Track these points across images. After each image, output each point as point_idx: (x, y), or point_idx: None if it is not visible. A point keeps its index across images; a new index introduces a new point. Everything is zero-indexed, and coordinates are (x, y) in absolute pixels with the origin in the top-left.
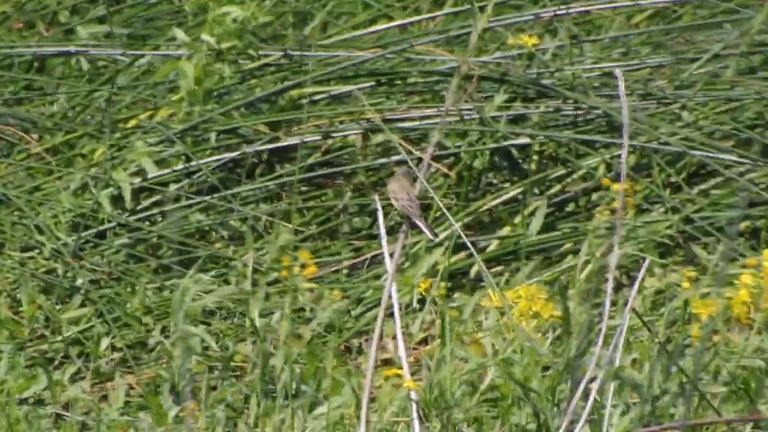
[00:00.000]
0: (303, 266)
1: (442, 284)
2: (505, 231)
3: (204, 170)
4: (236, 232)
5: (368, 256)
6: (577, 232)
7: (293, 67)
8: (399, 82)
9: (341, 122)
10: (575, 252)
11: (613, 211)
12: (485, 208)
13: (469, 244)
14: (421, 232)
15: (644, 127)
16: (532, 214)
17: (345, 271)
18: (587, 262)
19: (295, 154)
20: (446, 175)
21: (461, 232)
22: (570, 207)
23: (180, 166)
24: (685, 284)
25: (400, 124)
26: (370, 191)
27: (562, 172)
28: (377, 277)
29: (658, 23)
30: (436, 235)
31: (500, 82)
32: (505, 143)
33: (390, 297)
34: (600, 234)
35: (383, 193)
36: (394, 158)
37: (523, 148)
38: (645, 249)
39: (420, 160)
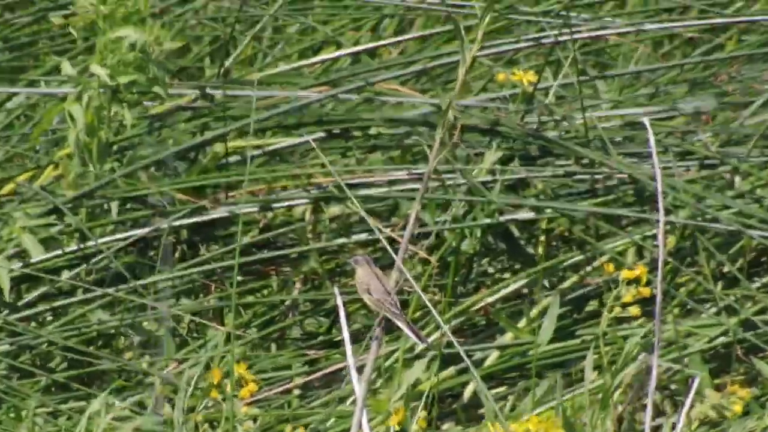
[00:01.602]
0: (240, 384)
1: (424, 413)
2: (507, 338)
3: (105, 252)
4: (151, 338)
5: (328, 370)
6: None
7: (216, 112)
8: (358, 133)
9: (284, 188)
10: (600, 367)
11: (641, 310)
12: (479, 306)
13: (463, 355)
14: (399, 337)
15: (685, 198)
16: (542, 314)
17: (297, 392)
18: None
19: (226, 231)
20: (425, 262)
21: (453, 338)
22: (592, 305)
23: (73, 247)
24: (737, 407)
25: (362, 191)
26: (326, 282)
27: (580, 257)
28: (341, 399)
29: (693, 52)
30: (425, 340)
31: (490, 133)
32: (502, 218)
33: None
34: (631, 343)
35: (345, 285)
36: (356, 237)
37: (525, 225)
38: (692, 364)
39: (391, 241)
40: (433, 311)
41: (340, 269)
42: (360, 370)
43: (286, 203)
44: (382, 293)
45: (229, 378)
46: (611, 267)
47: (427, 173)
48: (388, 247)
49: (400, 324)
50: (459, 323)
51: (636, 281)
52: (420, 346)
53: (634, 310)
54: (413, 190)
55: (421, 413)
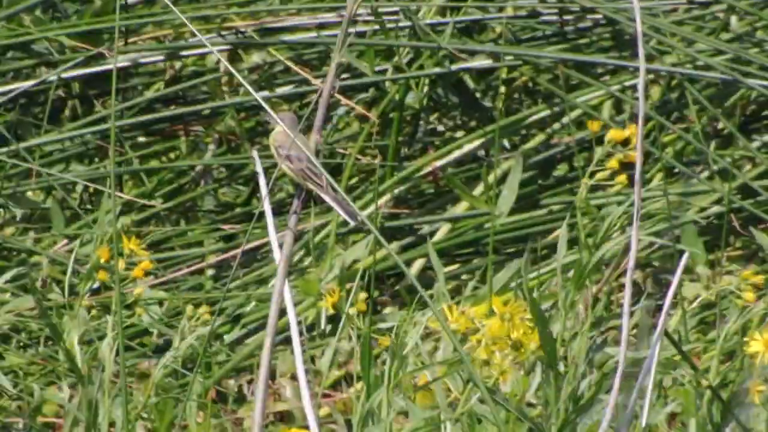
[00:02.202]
0: (133, 262)
1: (364, 294)
2: (461, 208)
3: None
4: (37, 210)
5: (246, 247)
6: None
7: None
8: None
9: (194, 34)
10: (572, 242)
11: (627, 177)
12: (426, 170)
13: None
14: (329, 210)
15: (672, 42)
16: (502, 181)
17: (210, 272)
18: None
19: (126, 84)
20: (364, 119)
21: (390, 211)
22: (560, 169)
23: None
24: (748, 295)
25: (287, 37)
26: (245, 144)
27: (546, 113)
28: (262, 281)
29: None
30: (357, 217)
31: None
32: (454, 67)
33: (283, 313)
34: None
35: (265, 149)
36: (281, 91)
37: (482, 74)
38: (682, 237)
39: (318, 94)
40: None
41: (261, 128)
42: (282, 246)
43: (197, 51)
44: (306, 160)
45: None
46: (596, 125)
47: (350, 10)
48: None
49: (325, 197)
50: (403, 191)
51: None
52: (352, 223)
53: (622, 178)
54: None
55: (360, 295)
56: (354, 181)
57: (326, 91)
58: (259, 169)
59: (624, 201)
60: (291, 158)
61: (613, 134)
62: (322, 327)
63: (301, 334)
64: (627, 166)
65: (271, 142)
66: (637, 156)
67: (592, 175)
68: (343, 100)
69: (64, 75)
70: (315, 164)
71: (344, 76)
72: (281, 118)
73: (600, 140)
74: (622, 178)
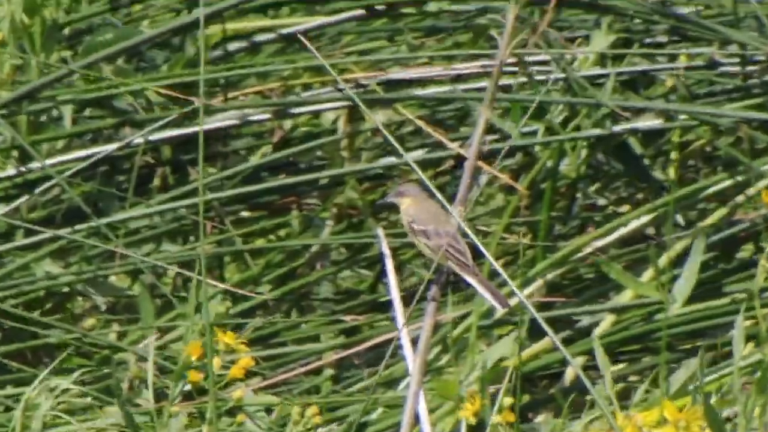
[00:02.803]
0: (233, 361)
1: (511, 400)
2: (627, 297)
3: (55, 178)
4: (122, 298)
5: (371, 342)
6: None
7: None
8: (410, 9)
9: (307, 87)
10: (756, 337)
11: None
12: (585, 252)
13: (546, 328)
14: (472, 296)
15: None
16: (676, 264)
17: (328, 372)
18: None
19: (226, 148)
20: (510, 190)
21: (543, 300)
22: (745, 250)
23: (10, 171)
24: None
25: (417, 91)
26: (369, 220)
27: (728, 182)
28: (390, 383)
29: None
30: (507, 302)
31: (598, 9)
32: (617, 128)
33: (416, 421)
34: None
35: (395, 224)
36: (411, 156)
37: (651, 137)
38: None
39: (458, 160)
40: (497, 266)
41: (382, 202)
42: (415, 342)
43: (311, 107)
44: (448, 236)
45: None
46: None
47: (499, 62)
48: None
49: (470, 280)
50: (557, 277)
51: None
52: (500, 311)
53: None
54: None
55: (506, 400)
56: (499, 264)
57: (473, 154)
58: (385, 249)
59: None
60: (429, 234)
61: None
62: None
63: None
64: None
65: (402, 217)
66: None
67: None
68: (486, 167)
69: (152, 137)
70: (458, 240)
71: (486, 138)
72: (406, 190)
73: None
74: None
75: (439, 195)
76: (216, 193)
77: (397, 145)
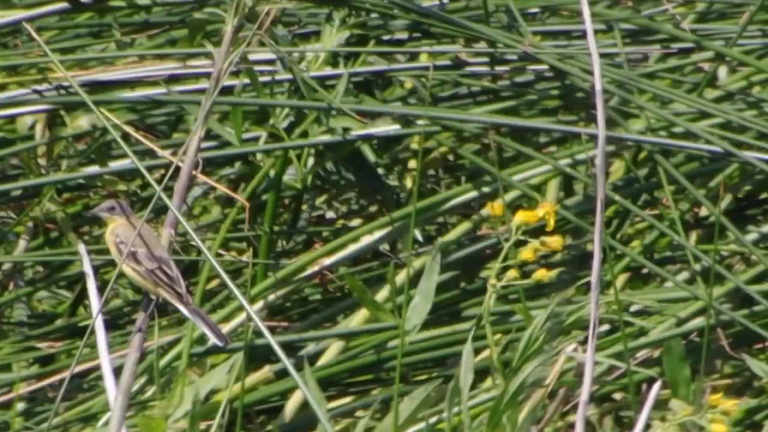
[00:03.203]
0: None
1: None
2: (357, 320)
3: None
4: None
5: (69, 372)
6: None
7: None
8: (118, 3)
9: (1, 88)
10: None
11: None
12: (312, 270)
13: (279, 351)
14: (181, 322)
15: (640, 102)
16: (413, 284)
17: (20, 406)
18: None
19: None
20: (228, 201)
21: (263, 325)
22: (490, 269)
23: None
24: (718, 427)
25: (125, 94)
26: (69, 235)
27: (473, 194)
28: (89, 418)
29: None
30: (224, 336)
31: (330, 2)
32: (350, 135)
33: None
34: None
35: (99, 240)
36: (116, 166)
37: (386, 144)
38: (664, 359)
39: (170, 171)
40: (232, 286)
41: (90, 215)
42: (120, 371)
43: (5, 111)
44: (154, 259)
45: None
46: (497, 207)
47: (220, 61)
48: (154, 184)
49: (183, 311)
50: (281, 298)
51: (542, 227)
52: (216, 343)
53: (540, 274)
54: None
55: None
56: (214, 284)
57: (186, 169)
58: (87, 267)
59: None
60: (138, 257)
61: (524, 216)
62: None
63: None
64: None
65: (108, 236)
66: (595, 250)
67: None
68: (201, 177)
69: None
70: (170, 266)
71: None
72: (111, 205)
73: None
74: (541, 273)
75: None
76: None
77: None
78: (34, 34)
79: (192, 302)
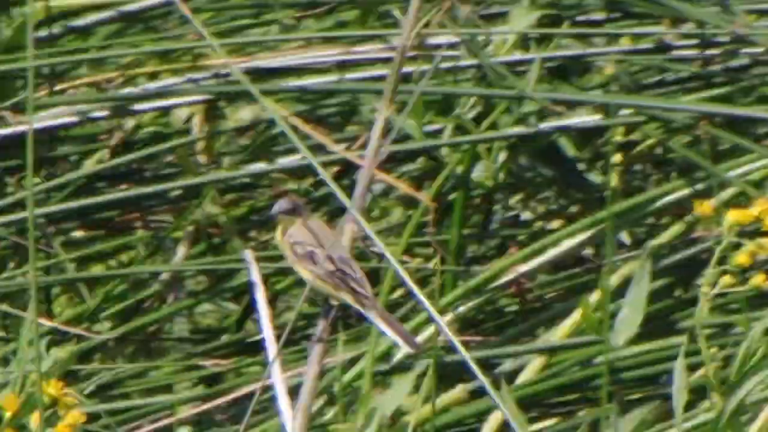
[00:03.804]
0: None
1: None
2: (560, 334)
3: None
4: None
5: (238, 393)
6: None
7: None
8: None
9: (152, 76)
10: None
11: None
12: (506, 278)
13: (474, 367)
14: (366, 334)
15: None
16: (620, 293)
17: (184, 430)
18: None
19: (52, 153)
20: (411, 202)
21: (455, 339)
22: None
23: None
24: None
25: (292, 82)
26: (233, 240)
27: (684, 191)
28: None
29: None
30: (417, 344)
31: None
32: (545, 125)
33: None
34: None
35: (267, 245)
36: (284, 162)
37: (586, 137)
38: None
39: (347, 167)
40: (419, 295)
41: (256, 218)
42: (295, 391)
43: (158, 102)
44: (334, 260)
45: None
46: (706, 206)
47: (402, 46)
48: (330, 180)
49: (369, 316)
50: (472, 309)
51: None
52: (405, 352)
53: (758, 280)
54: (383, 78)
55: None
56: (398, 294)
57: (369, 160)
58: (255, 276)
59: None
60: (315, 258)
61: (737, 216)
62: None
63: None
64: None
65: (280, 237)
66: None
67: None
68: (381, 176)
69: None
70: (352, 266)
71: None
72: (287, 204)
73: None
74: (760, 279)
75: None
76: (41, 208)
77: None
78: (189, 14)
79: (378, 306)
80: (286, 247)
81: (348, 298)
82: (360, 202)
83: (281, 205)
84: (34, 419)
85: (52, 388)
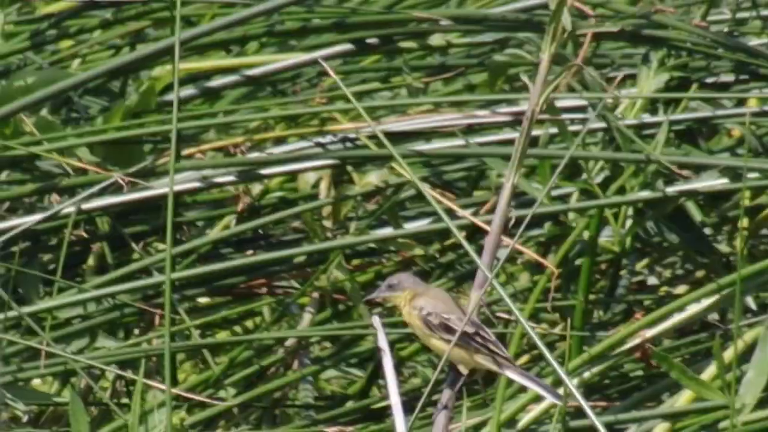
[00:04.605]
0: None
1: None
2: (684, 398)
3: None
4: (48, 405)
5: None
6: None
7: (156, 10)
8: (409, 43)
9: (279, 140)
10: None
11: None
12: (632, 343)
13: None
14: (491, 400)
15: None
16: (745, 358)
17: None
18: None
19: (179, 218)
20: (537, 268)
21: (583, 401)
22: None
23: None
24: None
25: (420, 146)
26: (359, 306)
27: None
28: None
29: None
30: (560, 396)
31: (646, 41)
32: (672, 189)
33: None
34: None
35: (393, 311)
36: (411, 225)
37: (713, 200)
38: None
39: (473, 232)
40: (548, 355)
41: (371, 299)
42: None
43: (285, 167)
44: (468, 325)
45: None
46: None
47: (529, 112)
48: (466, 245)
49: (512, 375)
50: (597, 374)
51: None
52: (548, 400)
53: None
54: (510, 142)
55: None
56: (524, 359)
57: (496, 226)
58: (382, 342)
59: None
60: (450, 326)
61: None
62: None
63: None
64: None
65: (408, 312)
66: None
67: None
68: (505, 240)
69: (86, 205)
70: (486, 331)
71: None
72: (399, 281)
73: None
74: None
75: None
76: (180, 276)
77: None
78: (331, 73)
79: (516, 365)
80: (416, 320)
81: (485, 361)
82: (489, 260)
83: (381, 287)
84: None
85: None
